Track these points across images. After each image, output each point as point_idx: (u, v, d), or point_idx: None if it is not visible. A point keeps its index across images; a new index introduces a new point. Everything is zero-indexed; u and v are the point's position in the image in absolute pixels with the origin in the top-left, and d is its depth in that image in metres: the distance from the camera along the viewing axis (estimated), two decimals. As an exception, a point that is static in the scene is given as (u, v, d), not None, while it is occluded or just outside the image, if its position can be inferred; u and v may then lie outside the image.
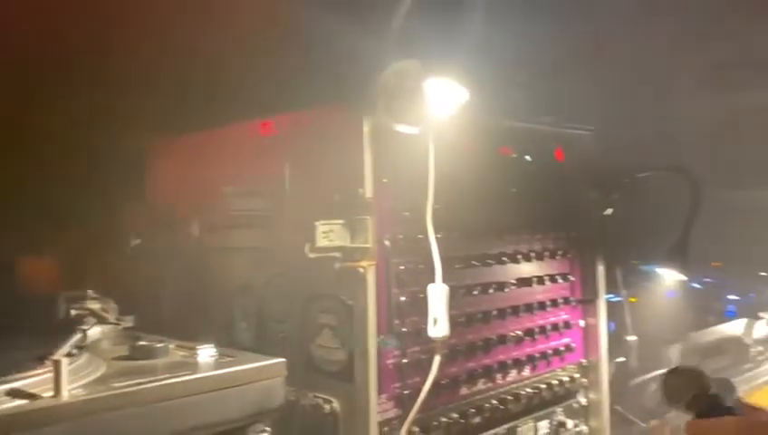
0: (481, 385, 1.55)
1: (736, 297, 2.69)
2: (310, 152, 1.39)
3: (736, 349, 2.62)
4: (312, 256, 1.28)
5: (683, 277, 1.93)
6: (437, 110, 1.26)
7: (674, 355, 2.16)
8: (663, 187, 2.03)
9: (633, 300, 2.35)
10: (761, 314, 2.67)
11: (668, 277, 2.20)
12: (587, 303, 1.81)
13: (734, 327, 2.58)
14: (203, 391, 1.09)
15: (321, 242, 1.27)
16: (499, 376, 1.59)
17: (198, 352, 1.20)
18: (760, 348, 2.72)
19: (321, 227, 1.27)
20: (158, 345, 1.21)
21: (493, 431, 1.56)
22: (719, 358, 2.57)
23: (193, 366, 1.15)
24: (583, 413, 1.79)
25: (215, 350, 1.20)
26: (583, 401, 1.79)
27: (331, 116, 1.36)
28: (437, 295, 1.34)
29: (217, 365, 1.17)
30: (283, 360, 1.18)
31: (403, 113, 1.25)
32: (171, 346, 1.24)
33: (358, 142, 1.29)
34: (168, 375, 1.09)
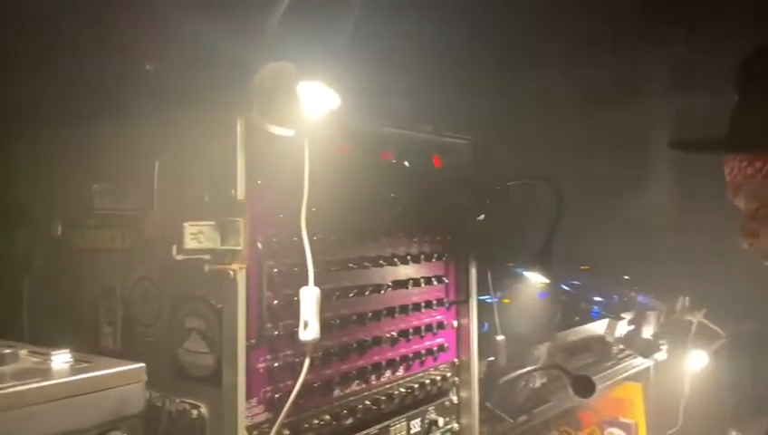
0: (354, 386, 1.57)
1: (601, 299, 2.89)
2: (181, 151, 1.35)
3: (600, 347, 2.82)
4: (179, 258, 1.24)
5: (547, 280, 2.05)
6: (312, 112, 1.26)
7: (542, 354, 2.28)
8: (532, 195, 2.15)
9: (507, 301, 2.46)
10: (623, 315, 2.88)
11: (537, 280, 2.33)
12: (460, 304, 1.87)
13: (598, 327, 2.77)
14: (55, 398, 1.03)
15: (190, 244, 1.24)
16: (373, 377, 1.62)
17: (52, 358, 1.14)
18: (621, 346, 2.94)
19: (190, 228, 1.24)
20: (7, 351, 1.13)
21: (365, 432, 1.58)
22: (584, 355, 2.74)
23: (45, 373, 1.08)
24: (455, 411, 1.86)
25: (70, 356, 1.14)
26: (455, 399, 1.85)
27: (204, 115, 1.33)
28: (309, 298, 1.34)
29: (72, 371, 1.10)
30: (143, 365, 1.14)
31: (278, 115, 1.24)
32: (23, 352, 1.17)
33: (231, 143, 1.26)
34: (16, 383, 1.02)
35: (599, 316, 2.78)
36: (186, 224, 1.23)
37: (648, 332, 3.05)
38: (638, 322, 2.97)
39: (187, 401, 1.34)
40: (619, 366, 2.82)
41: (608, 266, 3.20)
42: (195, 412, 1.32)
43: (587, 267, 3.20)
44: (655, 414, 2.97)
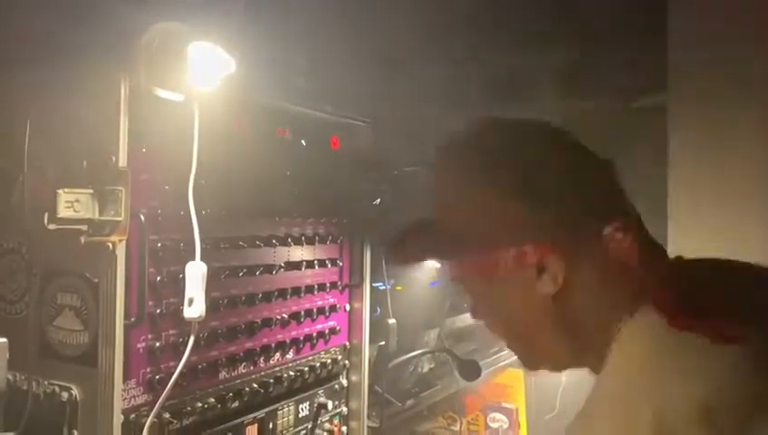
0: (242, 369, 1.52)
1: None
2: (58, 110, 1.24)
3: (485, 334, 2.91)
4: (51, 227, 1.14)
5: (438, 266, 2.09)
6: (204, 77, 1.20)
7: (431, 339, 2.33)
8: (429, 181, 2.18)
9: (399, 289, 2.49)
10: (508, 303, 2.99)
11: (430, 267, 2.37)
12: (354, 287, 1.87)
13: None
14: None
15: (64, 213, 1.14)
16: (261, 360, 1.58)
17: None
18: (505, 333, 3.05)
19: (65, 195, 1.14)
20: None
21: (251, 416, 1.53)
22: (471, 342, 2.83)
23: None
24: (344, 395, 1.85)
25: None
26: (345, 382, 1.85)
27: (84, 73, 1.23)
28: (195, 274, 1.28)
29: None
30: (4, 340, 1.04)
31: (166, 78, 1.17)
32: None
33: (113, 105, 1.18)
34: None
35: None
36: (60, 191, 1.13)
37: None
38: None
39: (57, 382, 1.24)
40: (503, 353, 2.92)
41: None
42: (65, 395, 1.23)
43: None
44: (534, 400, 3.11)
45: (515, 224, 0.86)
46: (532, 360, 0.97)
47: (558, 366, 0.97)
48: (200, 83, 1.21)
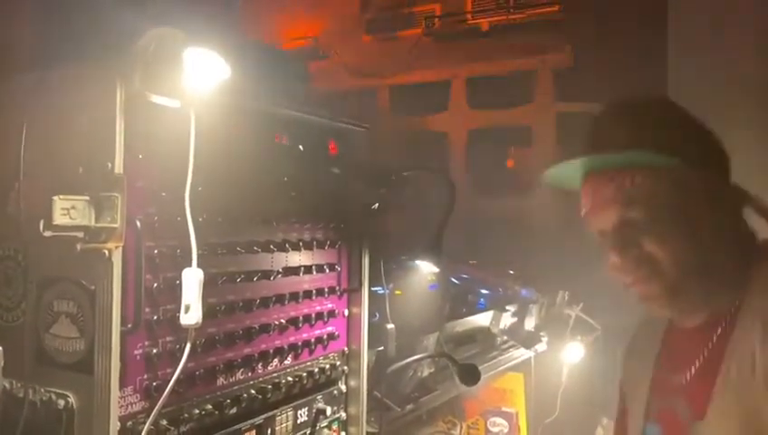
0: (239, 375, 1.51)
1: (487, 291, 2.98)
2: (54, 117, 1.23)
3: (485, 338, 2.91)
4: (47, 234, 1.13)
5: (437, 270, 2.08)
6: (200, 83, 1.20)
7: (430, 344, 2.32)
8: (426, 186, 2.18)
9: (399, 293, 2.49)
10: (507, 307, 2.99)
11: (428, 271, 2.37)
12: (352, 292, 1.86)
13: (484, 318, 2.86)
14: None
15: (60, 220, 1.13)
16: (260, 366, 1.57)
17: None
18: (505, 337, 3.05)
19: (61, 202, 1.13)
20: None
21: (249, 422, 1.53)
22: (470, 346, 2.83)
23: None
24: (343, 400, 1.84)
25: None
26: (343, 388, 1.84)
27: (81, 78, 1.22)
28: (191, 281, 1.27)
29: None
30: (-1, 348, 1.03)
31: (162, 84, 1.17)
32: None
33: (109, 112, 1.17)
34: None
35: (484, 308, 2.87)
36: (55, 198, 1.13)
37: (530, 324, 3.19)
38: (521, 314, 3.10)
39: (54, 390, 1.23)
40: (503, 357, 2.92)
41: (494, 261, 3.32)
42: (62, 402, 1.22)
43: (475, 262, 3.30)
44: (534, 403, 3.11)
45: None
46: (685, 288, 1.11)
47: (695, 298, 1.13)
48: (196, 89, 1.21)
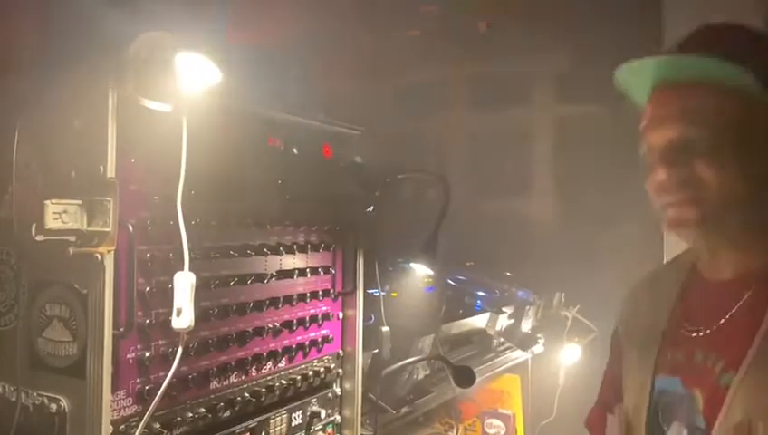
0: (233, 378, 1.51)
1: (484, 293, 2.98)
2: (46, 122, 1.24)
3: (481, 339, 2.91)
4: (39, 238, 1.14)
5: (432, 272, 2.08)
6: (191, 87, 1.20)
7: (426, 346, 2.32)
8: (422, 189, 2.19)
9: (395, 295, 2.48)
10: (504, 309, 2.99)
11: (425, 273, 2.37)
12: (346, 295, 1.86)
13: (480, 320, 2.86)
14: None
15: (52, 224, 1.14)
16: (253, 369, 1.57)
17: None
18: (501, 339, 3.05)
19: (53, 206, 1.13)
20: None
21: (243, 425, 1.53)
22: (466, 347, 2.82)
23: None
24: (337, 403, 1.84)
25: None
26: (338, 390, 1.84)
27: (73, 82, 1.22)
28: (183, 284, 1.27)
29: None
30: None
31: (153, 88, 1.17)
32: None
33: (101, 116, 1.17)
34: None
35: (481, 310, 2.87)
36: (47, 202, 1.13)
37: (526, 326, 3.18)
38: (517, 316, 3.10)
39: (46, 394, 1.24)
40: (499, 359, 2.92)
41: (491, 263, 3.32)
42: (54, 406, 1.22)
43: (472, 263, 3.30)
44: (531, 405, 3.11)
45: None
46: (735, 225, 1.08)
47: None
48: (188, 93, 1.21)
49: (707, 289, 1.17)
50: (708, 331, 1.13)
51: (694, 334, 1.15)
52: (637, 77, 1.13)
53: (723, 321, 1.11)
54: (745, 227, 1.09)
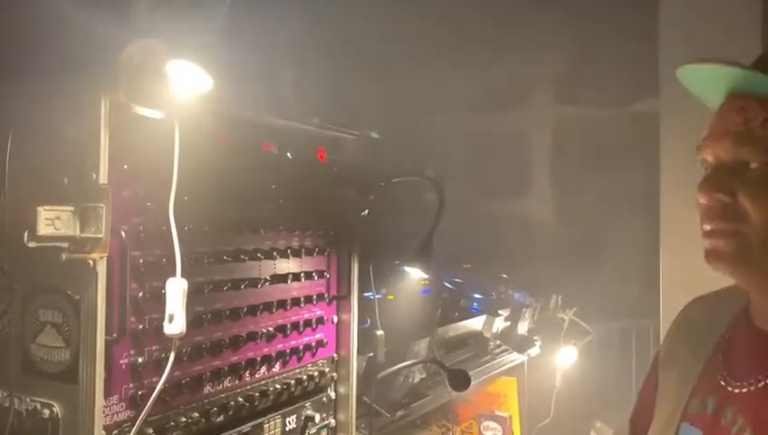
0: (227, 383, 1.52)
1: (480, 296, 2.99)
2: (38, 128, 1.24)
3: (477, 342, 2.91)
4: (32, 245, 1.14)
5: (427, 276, 2.09)
6: (183, 94, 1.20)
7: (422, 349, 2.32)
8: (417, 192, 2.19)
9: (391, 298, 2.49)
10: (500, 312, 2.99)
11: (420, 276, 2.37)
12: (341, 299, 1.86)
13: (476, 323, 2.86)
14: None
15: (45, 230, 1.14)
16: (247, 373, 1.57)
17: None
18: (497, 342, 3.05)
19: (45, 212, 1.14)
20: None
21: (237, 430, 1.53)
22: (462, 350, 2.83)
23: None
24: (332, 407, 1.84)
25: None
26: (332, 394, 1.84)
27: (65, 89, 1.23)
28: (175, 290, 1.28)
29: None
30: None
31: (146, 95, 1.17)
32: None
33: (94, 123, 1.18)
34: None
35: (477, 312, 2.87)
36: (39, 208, 1.13)
37: (523, 328, 3.19)
38: (513, 318, 3.10)
39: (39, 399, 1.24)
40: (496, 361, 2.93)
41: (488, 265, 3.33)
42: (47, 412, 1.23)
43: (469, 265, 3.30)
44: (528, 407, 3.11)
45: None
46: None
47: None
48: (180, 99, 1.21)
49: (754, 338, 1.03)
50: (745, 390, 0.99)
51: (729, 388, 1.01)
52: (706, 79, 1.01)
53: (762, 383, 0.97)
54: None
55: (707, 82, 1.00)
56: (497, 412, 3.03)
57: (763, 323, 1.02)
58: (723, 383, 1.02)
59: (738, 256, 0.94)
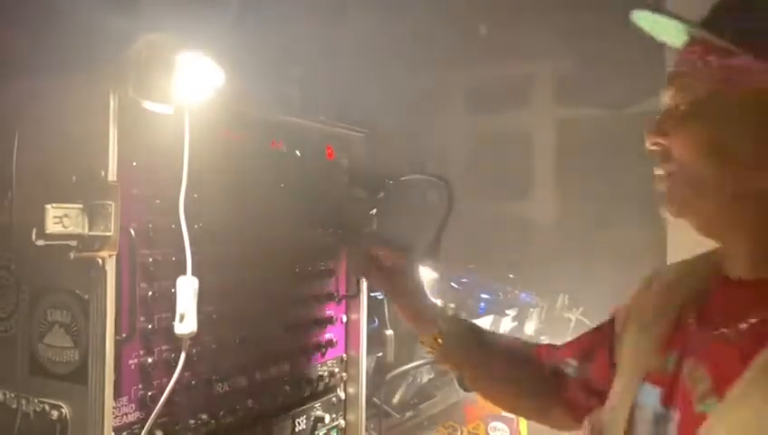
0: (237, 384, 1.50)
1: (487, 296, 2.96)
2: (45, 124, 1.22)
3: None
4: (40, 243, 1.12)
5: (436, 275, 2.06)
6: (193, 89, 1.18)
7: (430, 349, 2.30)
8: (426, 191, 2.17)
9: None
10: (507, 311, 2.97)
11: (430, 276, 2.35)
12: (350, 299, 1.84)
13: (484, 323, 2.84)
14: None
15: (53, 228, 1.12)
16: (257, 374, 1.55)
17: None
18: (505, 342, 3.02)
19: (54, 210, 1.12)
20: None
21: (246, 431, 1.51)
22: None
23: None
24: (341, 408, 1.82)
25: None
26: (342, 395, 1.82)
27: (73, 85, 1.21)
28: (186, 289, 1.26)
29: None
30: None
31: (155, 90, 1.15)
32: None
33: (102, 119, 1.16)
34: None
35: (484, 312, 2.85)
36: (48, 206, 1.11)
37: (530, 328, 3.17)
38: (521, 318, 3.08)
39: (47, 401, 1.22)
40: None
41: (494, 265, 3.31)
42: (55, 413, 1.21)
43: (473, 266, 3.29)
44: (535, 408, 3.08)
45: None
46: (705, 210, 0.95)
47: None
48: (190, 95, 1.19)
49: (722, 286, 1.00)
50: (707, 336, 0.96)
51: (692, 339, 0.99)
52: (659, 29, 0.99)
53: (723, 330, 0.94)
54: (733, 224, 0.94)
55: (661, 29, 0.99)
56: (504, 413, 3.01)
57: (730, 271, 1.00)
58: (686, 336, 1.01)
59: (673, 198, 0.96)
